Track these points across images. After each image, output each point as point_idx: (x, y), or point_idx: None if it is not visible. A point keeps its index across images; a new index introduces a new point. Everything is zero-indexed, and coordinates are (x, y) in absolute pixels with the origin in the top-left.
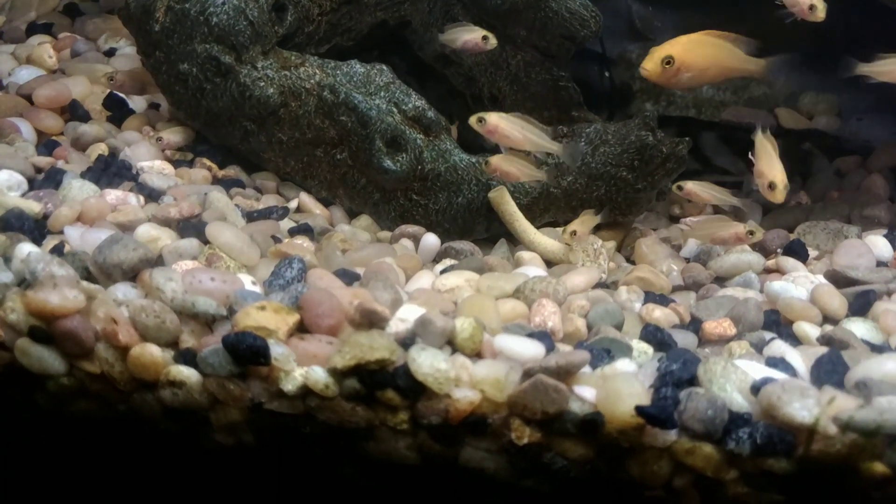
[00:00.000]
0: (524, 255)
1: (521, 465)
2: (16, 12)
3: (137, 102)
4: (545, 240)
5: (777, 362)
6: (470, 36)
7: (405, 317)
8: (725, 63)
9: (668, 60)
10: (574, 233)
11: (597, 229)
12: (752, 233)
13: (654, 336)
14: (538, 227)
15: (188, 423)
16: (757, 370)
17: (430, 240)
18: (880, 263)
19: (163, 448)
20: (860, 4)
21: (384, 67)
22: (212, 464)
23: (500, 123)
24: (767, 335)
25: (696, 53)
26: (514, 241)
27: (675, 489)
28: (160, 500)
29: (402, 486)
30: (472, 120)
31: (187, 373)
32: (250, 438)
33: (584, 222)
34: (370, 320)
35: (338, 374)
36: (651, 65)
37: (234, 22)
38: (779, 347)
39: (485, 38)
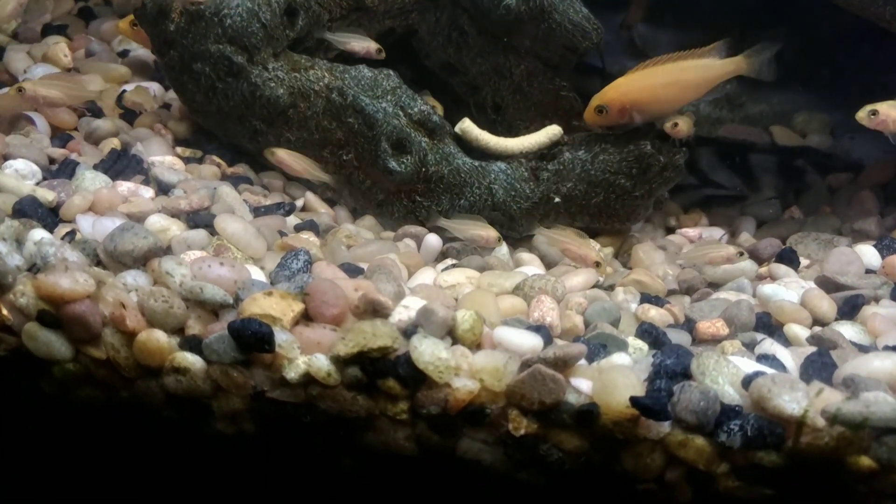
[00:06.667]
0: (524, 255)
1: (518, 457)
2: (31, 14)
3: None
4: (527, 138)
5: (768, 359)
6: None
7: (408, 304)
8: None
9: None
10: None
11: (595, 235)
12: (741, 254)
13: (650, 334)
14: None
15: (190, 410)
16: (748, 365)
17: (432, 240)
18: (869, 271)
19: (164, 436)
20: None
21: (391, 72)
22: (212, 452)
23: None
24: (759, 336)
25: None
26: (515, 242)
27: (668, 482)
28: (160, 488)
29: (400, 478)
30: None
31: (192, 359)
32: (251, 427)
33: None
34: (374, 309)
35: (340, 362)
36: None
37: (247, 24)
38: (770, 347)
39: (379, 50)
